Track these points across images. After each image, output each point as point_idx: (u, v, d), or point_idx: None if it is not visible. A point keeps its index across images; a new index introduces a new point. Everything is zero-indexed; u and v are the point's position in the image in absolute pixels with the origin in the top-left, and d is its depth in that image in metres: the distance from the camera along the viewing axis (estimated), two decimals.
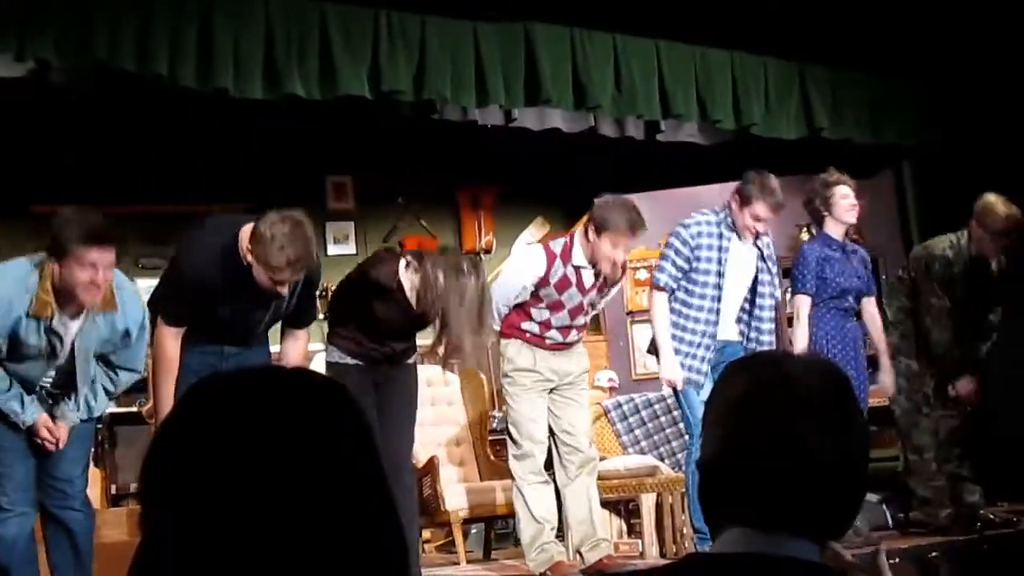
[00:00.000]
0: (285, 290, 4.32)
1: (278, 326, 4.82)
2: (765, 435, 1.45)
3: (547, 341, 5.28)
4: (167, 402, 4.37)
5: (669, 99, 7.18)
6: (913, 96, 7.89)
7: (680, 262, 5.35)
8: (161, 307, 4.50)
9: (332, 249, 8.66)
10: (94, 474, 8.18)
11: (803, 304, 5.89)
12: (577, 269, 5.23)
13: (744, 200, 5.37)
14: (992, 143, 7.43)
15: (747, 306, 5.52)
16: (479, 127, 7.24)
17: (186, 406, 1.07)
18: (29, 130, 7.83)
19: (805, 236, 8.35)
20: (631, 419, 6.98)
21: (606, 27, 7.03)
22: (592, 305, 5.41)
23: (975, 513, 5.97)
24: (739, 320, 5.52)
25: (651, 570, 1.51)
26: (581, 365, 5.41)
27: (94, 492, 8.05)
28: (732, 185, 8.03)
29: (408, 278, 4.77)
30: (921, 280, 6.13)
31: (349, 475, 1.03)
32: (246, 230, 4.26)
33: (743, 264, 5.46)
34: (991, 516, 6.02)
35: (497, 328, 5.30)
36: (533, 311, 5.26)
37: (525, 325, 5.26)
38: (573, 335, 5.36)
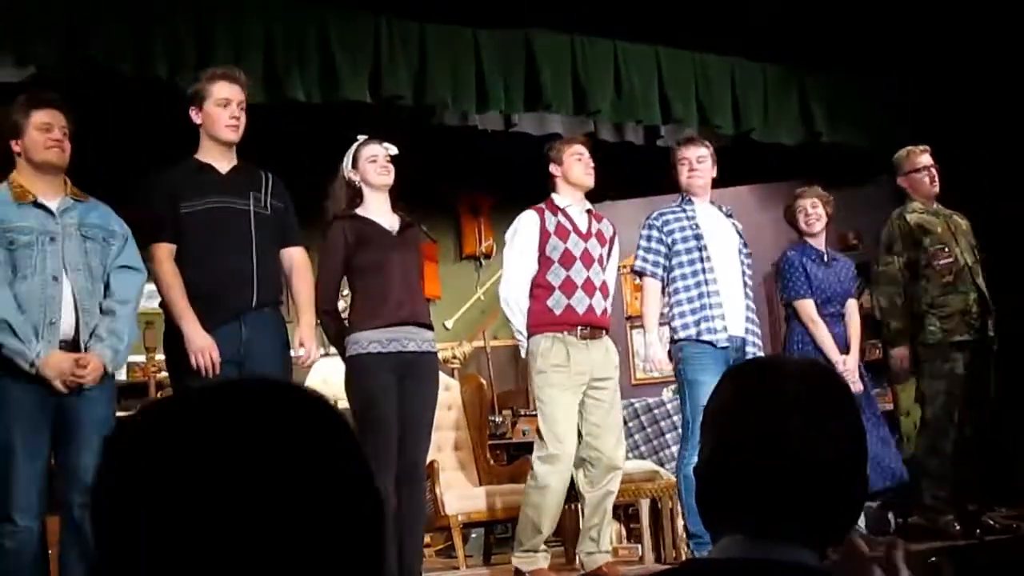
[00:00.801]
0: (238, 115, 4.52)
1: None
2: (760, 440, 1.45)
3: (578, 311, 5.19)
4: (188, 315, 4.33)
5: (669, 104, 7.19)
6: (912, 102, 7.90)
7: (654, 245, 5.45)
8: (149, 230, 4.49)
9: None
10: None
11: (807, 307, 5.94)
12: (565, 211, 5.35)
13: (674, 163, 5.57)
14: (991, 149, 7.44)
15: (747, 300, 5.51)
16: (479, 132, 7.25)
17: (150, 423, 1.02)
18: None
19: None
20: (630, 424, 6.97)
21: (606, 34, 7.05)
22: (601, 261, 5.37)
23: (976, 519, 5.97)
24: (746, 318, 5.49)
25: None
26: (612, 363, 5.33)
27: None
28: (731, 190, 8.08)
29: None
30: (878, 252, 6.17)
31: (333, 498, 0.99)
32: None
33: (718, 227, 5.52)
34: (991, 521, 6.01)
35: (523, 329, 5.27)
36: (550, 277, 5.25)
37: (551, 301, 5.21)
38: (599, 299, 5.29)
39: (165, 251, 4.44)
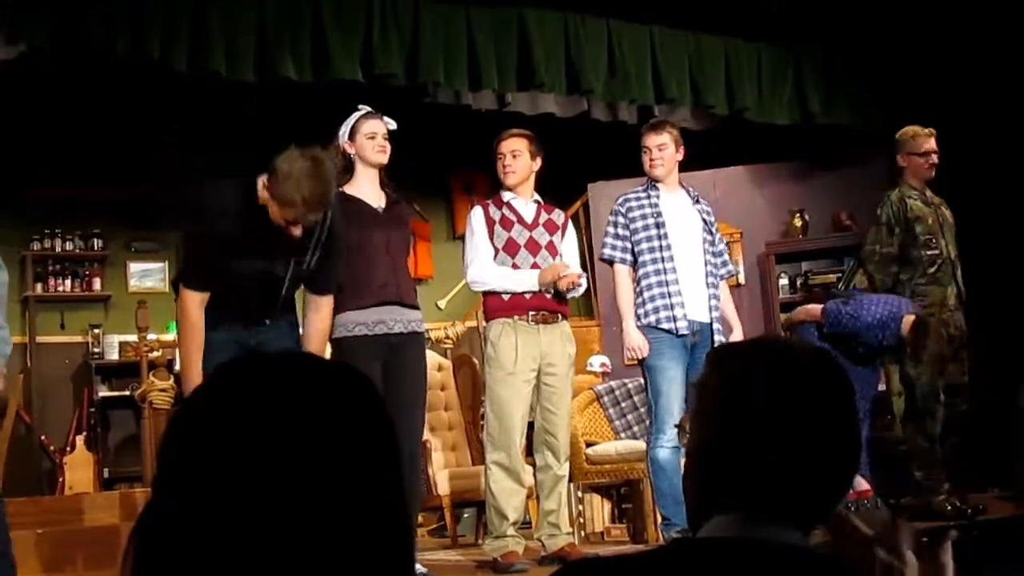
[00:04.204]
0: (298, 231, 4.18)
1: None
2: (758, 422, 1.46)
3: (526, 296, 5.22)
4: (195, 371, 4.24)
5: (662, 84, 7.19)
6: (906, 84, 7.89)
7: (619, 231, 5.51)
8: (185, 272, 4.38)
9: None
10: (87, 457, 8.21)
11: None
12: (509, 204, 5.37)
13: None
14: (985, 131, 7.44)
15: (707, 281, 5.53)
16: (472, 111, 7.24)
17: (214, 385, 1.08)
18: (22, 115, 7.81)
19: (798, 222, 8.38)
20: (623, 404, 7.00)
21: (600, 13, 7.03)
22: (551, 248, 5.38)
23: (966, 499, 6.00)
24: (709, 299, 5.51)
25: (638, 555, 1.50)
26: (567, 351, 5.35)
27: (86, 475, 8.08)
28: (724, 171, 8.06)
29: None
30: (871, 230, 6.15)
31: (366, 470, 1.03)
32: (266, 175, 4.19)
33: (682, 213, 5.53)
34: (981, 503, 6.04)
35: (509, 279, 5.26)
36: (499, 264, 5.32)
37: None
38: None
39: (195, 299, 4.29)
